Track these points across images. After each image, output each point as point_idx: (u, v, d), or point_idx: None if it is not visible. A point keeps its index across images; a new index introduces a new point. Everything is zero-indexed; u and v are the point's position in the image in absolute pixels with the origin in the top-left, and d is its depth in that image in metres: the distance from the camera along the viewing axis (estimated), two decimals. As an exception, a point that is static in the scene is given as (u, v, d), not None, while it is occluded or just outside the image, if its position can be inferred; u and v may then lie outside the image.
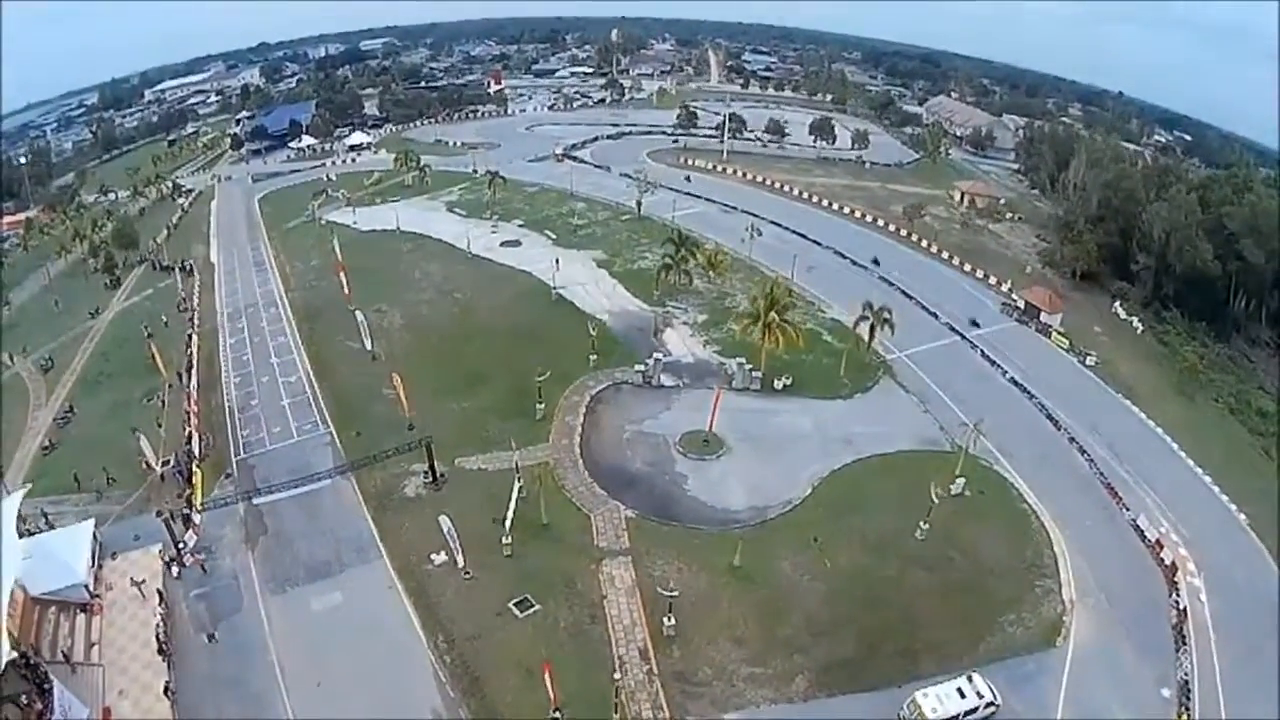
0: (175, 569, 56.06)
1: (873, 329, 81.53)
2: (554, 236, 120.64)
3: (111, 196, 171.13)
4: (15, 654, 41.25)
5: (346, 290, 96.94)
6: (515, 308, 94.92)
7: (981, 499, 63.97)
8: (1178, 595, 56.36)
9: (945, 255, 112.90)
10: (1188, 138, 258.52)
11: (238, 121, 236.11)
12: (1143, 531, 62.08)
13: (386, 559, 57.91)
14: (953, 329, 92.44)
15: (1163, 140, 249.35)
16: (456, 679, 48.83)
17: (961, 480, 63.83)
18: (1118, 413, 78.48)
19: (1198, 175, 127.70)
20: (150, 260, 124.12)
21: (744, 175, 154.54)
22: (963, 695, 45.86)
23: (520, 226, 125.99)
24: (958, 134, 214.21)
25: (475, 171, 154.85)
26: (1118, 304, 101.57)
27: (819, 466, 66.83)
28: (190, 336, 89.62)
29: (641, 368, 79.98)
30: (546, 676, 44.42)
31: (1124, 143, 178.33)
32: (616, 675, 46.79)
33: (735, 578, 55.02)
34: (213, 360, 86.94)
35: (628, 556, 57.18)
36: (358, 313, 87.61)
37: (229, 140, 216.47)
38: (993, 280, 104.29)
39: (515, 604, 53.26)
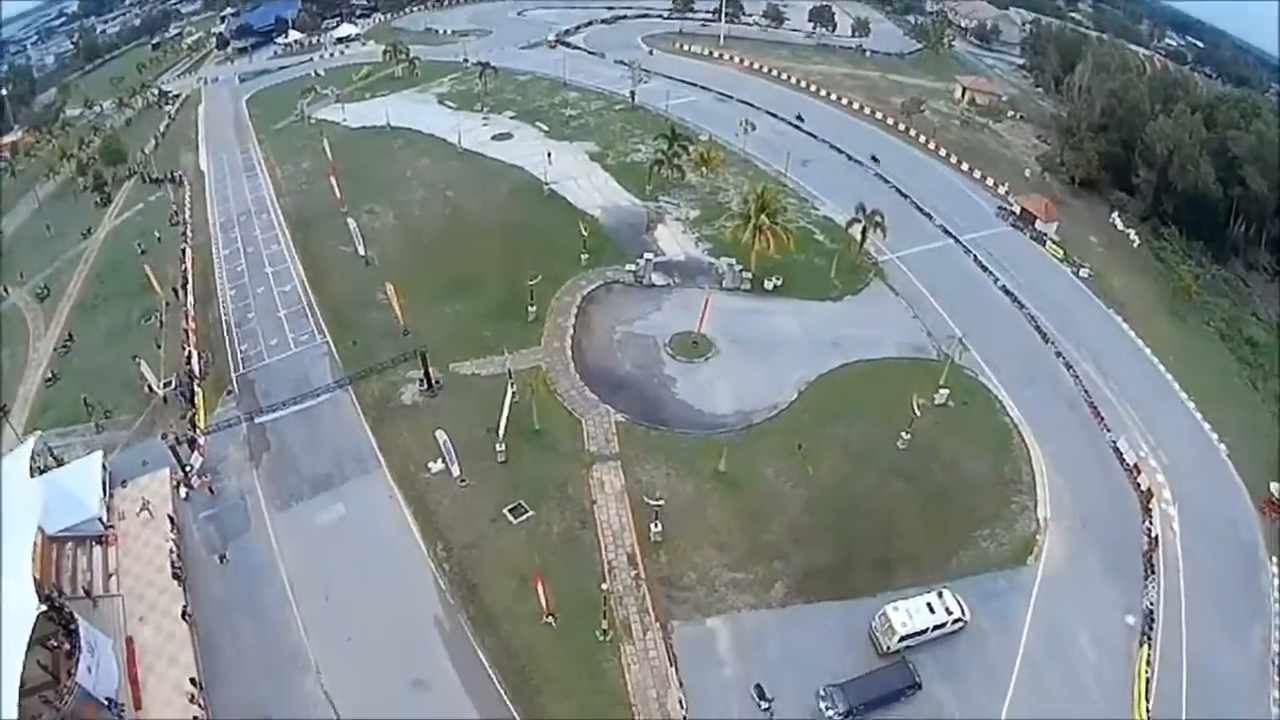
0: (184, 491, 58.23)
1: (865, 231, 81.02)
2: (546, 129, 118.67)
3: (97, 110, 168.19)
4: (44, 607, 43.15)
5: (338, 193, 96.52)
6: (507, 205, 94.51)
7: (964, 410, 64.85)
8: (1151, 523, 57.28)
9: (943, 153, 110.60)
10: (1200, 44, 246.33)
11: (222, 19, 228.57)
12: (1122, 455, 62.74)
13: (385, 469, 60.11)
14: (946, 231, 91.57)
15: (1174, 45, 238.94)
16: (455, 586, 51.56)
17: (945, 391, 64.58)
18: (1107, 329, 78.32)
19: (1206, 92, 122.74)
20: (140, 173, 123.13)
21: (741, 61, 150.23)
22: (932, 610, 47.86)
23: (512, 119, 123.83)
24: (962, 25, 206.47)
25: (466, 61, 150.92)
26: (1115, 215, 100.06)
27: (806, 370, 67.80)
28: (184, 251, 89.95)
29: (633, 267, 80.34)
30: (539, 587, 46.93)
31: (1133, 45, 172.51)
32: (604, 585, 49.20)
33: (721, 483, 56.98)
34: (208, 274, 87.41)
35: (617, 461, 59.04)
36: (350, 220, 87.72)
37: (214, 40, 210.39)
38: (990, 182, 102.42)
39: (509, 510, 55.55)
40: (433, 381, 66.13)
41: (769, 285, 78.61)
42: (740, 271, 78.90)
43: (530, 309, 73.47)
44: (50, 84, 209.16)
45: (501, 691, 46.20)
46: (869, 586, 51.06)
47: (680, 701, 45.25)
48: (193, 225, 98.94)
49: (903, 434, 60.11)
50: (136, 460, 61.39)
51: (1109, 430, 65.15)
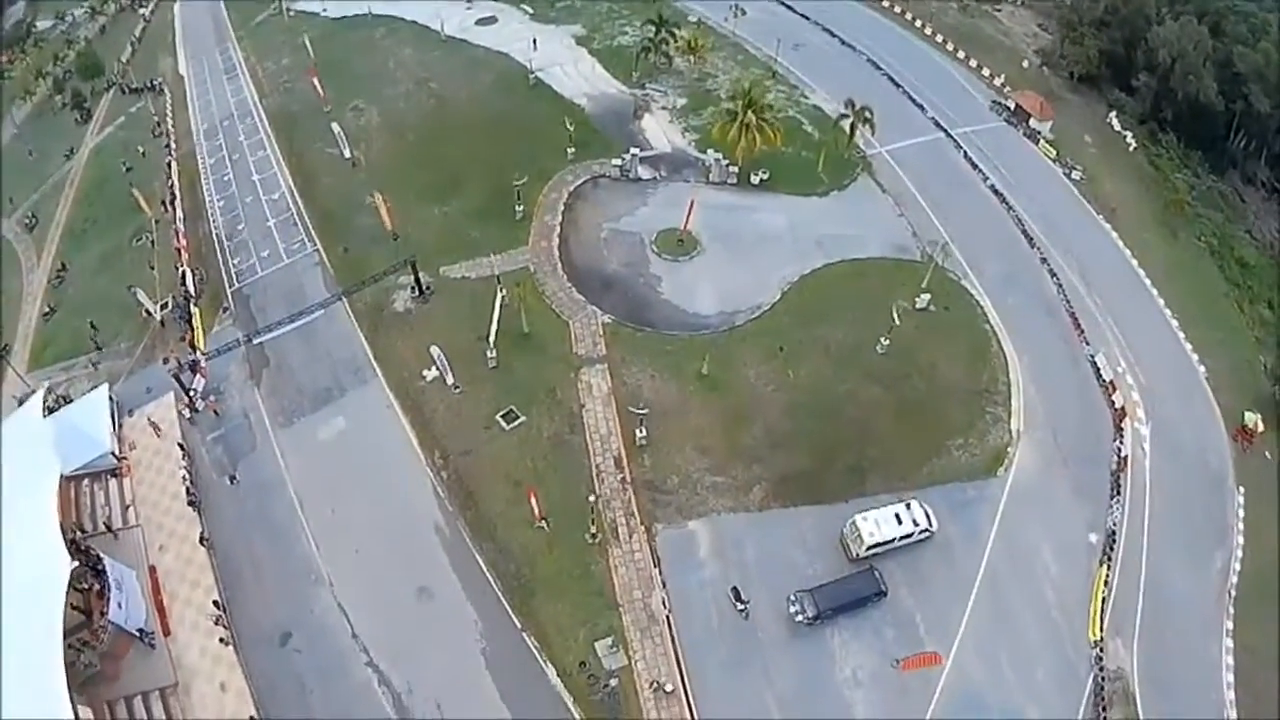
0: (189, 413, 60.77)
1: (853, 127, 79.83)
2: (531, 11, 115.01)
3: (69, 19, 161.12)
4: (76, 563, 45.95)
5: (321, 93, 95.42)
6: (492, 96, 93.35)
7: (945, 315, 65.82)
8: (1122, 442, 58.73)
9: (940, 39, 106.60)
10: None
11: None
12: (1099, 370, 63.69)
13: (382, 378, 62.77)
14: (938, 125, 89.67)
15: None
16: (453, 494, 55.00)
17: (927, 296, 65.45)
18: (1095, 236, 77.78)
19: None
20: (118, 84, 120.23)
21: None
22: (899, 521, 50.63)
23: (496, 1, 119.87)
24: None
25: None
26: (1113, 115, 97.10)
27: (790, 270, 68.86)
28: (169, 165, 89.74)
29: (619, 162, 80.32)
30: (531, 499, 50.10)
31: None
32: (592, 497, 52.21)
33: (703, 386, 59.21)
34: (195, 186, 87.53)
35: (604, 364, 61.29)
36: (334, 124, 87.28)
37: None
38: (986, 72, 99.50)
39: (502, 416, 58.34)
40: (424, 287, 67.72)
41: (755, 180, 78.68)
42: (727, 166, 78.85)
43: (517, 208, 74.19)
44: None
45: (499, 595, 50.06)
46: (842, 492, 53.92)
47: (664, 601, 49.03)
48: (176, 135, 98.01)
49: (882, 339, 61.56)
50: (141, 388, 63.87)
51: (1088, 344, 66.08)
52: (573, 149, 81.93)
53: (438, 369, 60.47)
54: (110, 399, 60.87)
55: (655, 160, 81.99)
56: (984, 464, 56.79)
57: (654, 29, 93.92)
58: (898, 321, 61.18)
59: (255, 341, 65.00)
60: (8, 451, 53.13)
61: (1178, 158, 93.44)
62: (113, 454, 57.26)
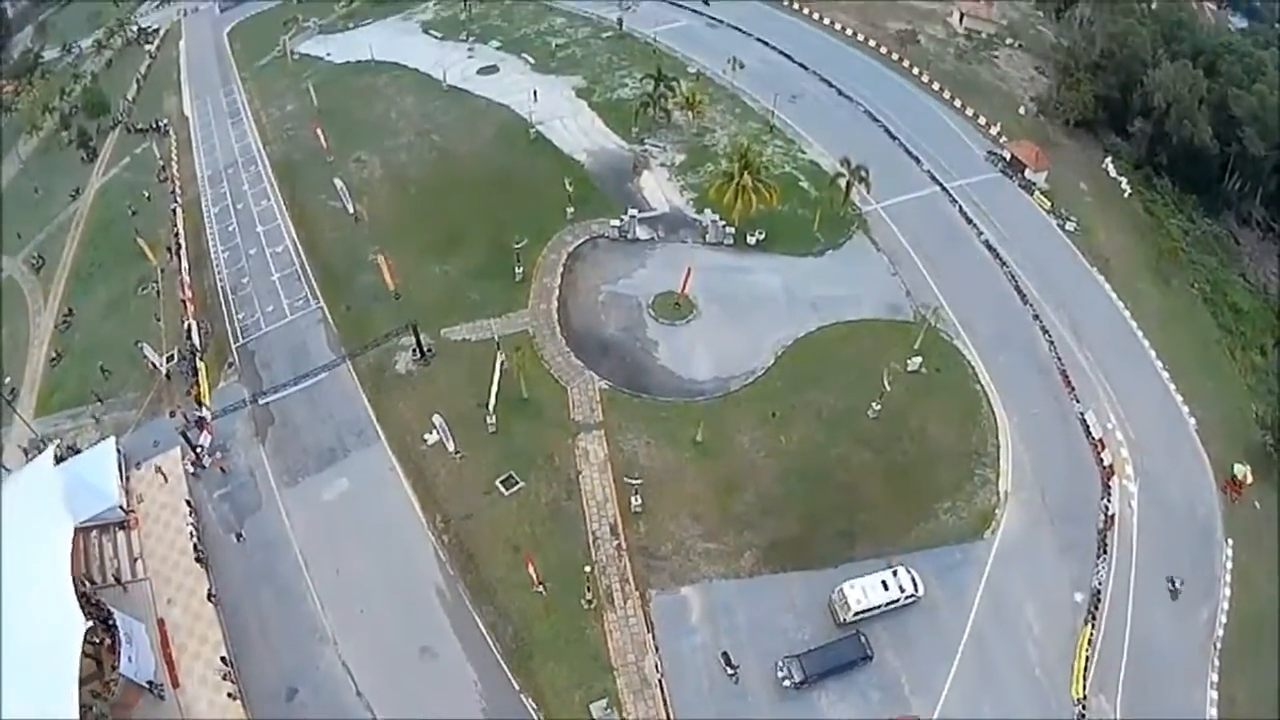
0: (195, 469, 64.42)
1: (849, 185, 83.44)
2: (532, 61, 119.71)
3: (75, 51, 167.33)
4: (90, 624, 49.33)
5: (324, 143, 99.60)
6: (493, 150, 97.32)
7: (936, 377, 68.82)
8: (1109, 500, 61.83)
9: (936, 87, 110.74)
10: None
11: None
12: (1089, 427, 66.48)
13: (385, 441, 66.25)
14: (934, 178, 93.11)
15: None
16: (454, 557, 58.39)
17: (919, 359, 68.57)
18: (1088, 288, 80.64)
19: (1213, 30, 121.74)
20: (124, 124, 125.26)
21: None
22: (886, 587, 53.86)
23: (498, 49, 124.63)
24: None
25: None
26: (1109, 160, 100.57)
27: (784, 333, 72.25)
28: (174, 211, 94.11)
29: (617, 223, 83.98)
30: (529, 566, 53.79)
31: None
32: (587, 569, 55.60)
33: (698, 453, 62.68)
34: (199, 233, 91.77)
35: (601, 431, 64.69)
36: (336, 179, 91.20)
37: None
38: (982, 120, 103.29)
39: (501, 481, 61.72)
40: (425, 350, 71.35)
41: (751, 240, 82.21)
42: (723, 226, 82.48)
43: (517, 269, 77.84)
44: (26, 21, 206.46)
45: (499, 657, 53.45)
46: (831, 557, 57.19)
47: (656, 665, 52.35)
48: (181, 180, 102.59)
49: (874, 404, 64.79)
50: (148, 440, 67.54)
51: (1079, 401, 68.78)
52: (572, 208, 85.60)
53: (439, 434, 63.91)
54: (117, 451, 64.22)
55: (653, 221, 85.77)
56: (971, 526, 59.88)
57: (653, 83, 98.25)
58: (888, 388, 64.43)
59: (261, 403, 68.83)
60: (23, 502, 56.80)
61: (1173, 202, 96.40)
62: (120, 507, 60.65)
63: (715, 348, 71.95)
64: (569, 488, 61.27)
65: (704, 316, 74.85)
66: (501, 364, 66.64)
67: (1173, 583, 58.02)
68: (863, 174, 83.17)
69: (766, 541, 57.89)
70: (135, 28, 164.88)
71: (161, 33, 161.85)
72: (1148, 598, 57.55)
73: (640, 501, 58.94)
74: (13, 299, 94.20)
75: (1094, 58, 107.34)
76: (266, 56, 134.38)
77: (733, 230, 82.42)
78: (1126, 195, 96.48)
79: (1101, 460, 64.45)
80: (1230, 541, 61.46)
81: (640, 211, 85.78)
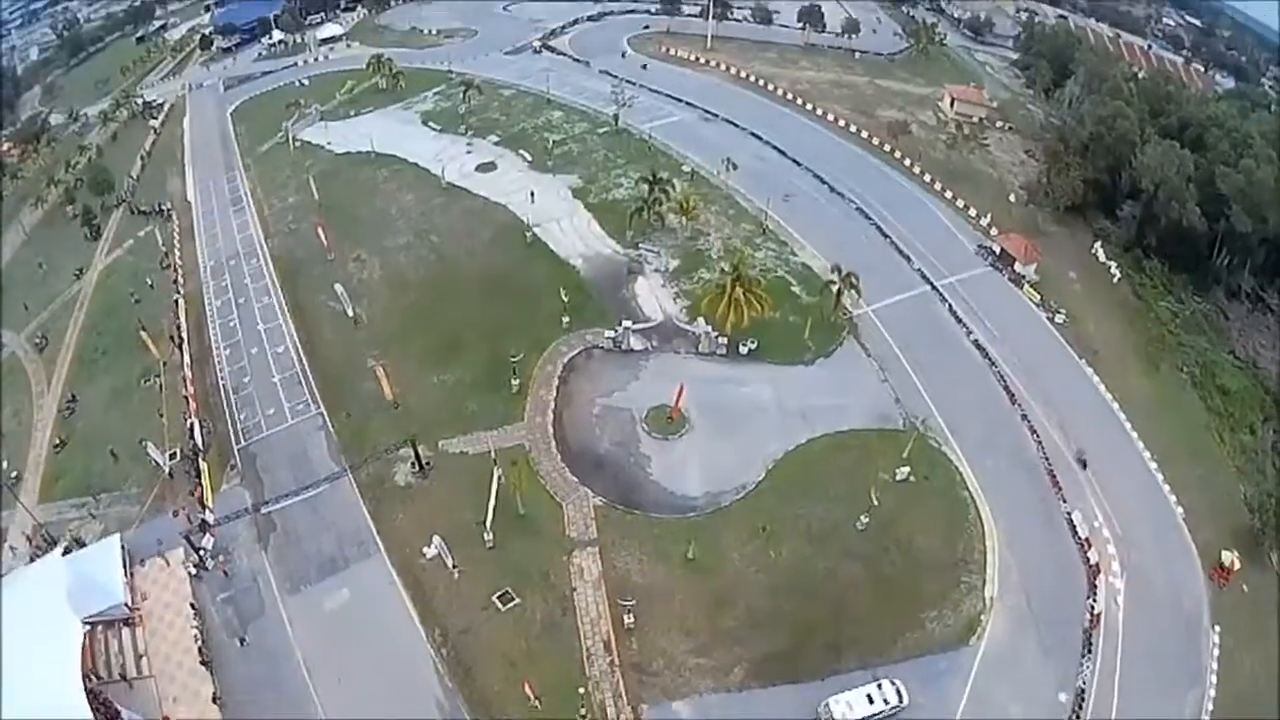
0: (198, 571, 68.69)
1: (839, 292, 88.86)
2: (530, 158, 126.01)
3: (81, 119, 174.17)
4: None
5: (325, 241, 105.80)
6: (491, 254, 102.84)
7: (924, 485, 73.40)
8: (1095, 599, 65.89)
9: (928, 178, 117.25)
10: (1198, 24, 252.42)
11: (207, 8, 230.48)
12: (1075, 527, 70.77)
13: (384, 554, 70.51)
14: (924, 276, 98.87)
15: (1171, 25, 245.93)
16: (452, 670, 62.39)
17: (906, 469, 73.22)
18: (1077, 383, 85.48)
19: (1199, 97, 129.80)
20: (127, 203, 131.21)
21: (727, 69, 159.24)
22: (871, 701, 58.26)
23: (496, 144, 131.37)
24: (955, 15, 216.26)
25: (450, 73, 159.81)
26: (1099, 245, 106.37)
27: (775, 446, 76.72)
28: (177, 302, 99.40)
29: (612, 333, 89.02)
30: (526, 687, 58.11)
31: (1128, 35, 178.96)
32: (581, 690, 59.71)
33: (689, 569, 67.22)
34: (202, 327, 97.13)
35: (595, 547, 69.18)
36: (337, 285, 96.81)
37: (198, 40, 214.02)
38: (973, 212, 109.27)
39: (498, 597, 66.07)
40: (423, 464, 76.15)
41: (743, 350, 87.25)
42: (715, 337, 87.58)
43: (513, 381, 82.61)
44: (34, 80, 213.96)
45: (497, 773, 57.52)
46: (819, 670, 61.47)
47: (648, 784, 56.52)
48: (183, 269, 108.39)
49: (862, 516, 69.69)
50: (151, 539, 71.54)
51: (1065, 500, 73.20)
52: (567, 317, 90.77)
53: (438, 550, 68.27)
54: (122, 546, 68.77)
55: (647, 331, 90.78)
56: (957, 634, 63.89)
57: (648, 187, 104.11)
58: (876, 502, 69.41)
59: (263, 512, 73.68)
60: (32, 597, 61.19)
61: (1162, 284, 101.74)
62: (125, 605, 64.76)
63: (707, 462, 76.39)
64: (564, 604, 65.58)
65: (696, 430, 79.35)
66: (498, 479, 70.97)
67: None
68: (853, 280, 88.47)
69: (756, 655, 62.09)
70: (141, 100, 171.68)
71: (166, 107, 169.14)
72: (1134, 689, 61.30)
73: (633, 619, 63.34)
74: (15, 378, 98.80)
75: (1083, 138, 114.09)
76: (269, 142, 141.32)
77: (725, 340, 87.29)
78: (1116, 280, 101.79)
79: (1088, 559, 68.28)
80: (1218, 628, 65.73)
81: (634, 321, 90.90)
